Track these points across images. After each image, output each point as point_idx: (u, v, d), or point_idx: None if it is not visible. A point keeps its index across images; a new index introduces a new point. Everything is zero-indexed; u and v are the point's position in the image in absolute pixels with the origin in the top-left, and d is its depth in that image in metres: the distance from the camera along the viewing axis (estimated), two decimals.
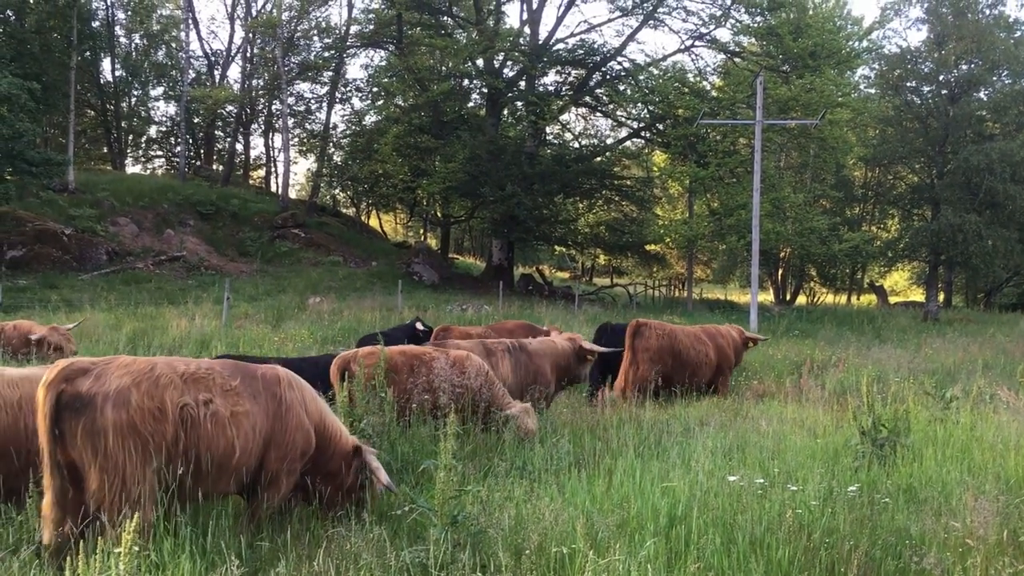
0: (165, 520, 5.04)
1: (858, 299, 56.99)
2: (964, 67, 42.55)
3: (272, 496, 5.63)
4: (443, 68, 44.54)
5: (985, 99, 44.34)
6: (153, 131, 57.82)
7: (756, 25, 38.21)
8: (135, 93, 55.20)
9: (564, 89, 42.27)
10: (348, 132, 51.27)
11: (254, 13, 49.03)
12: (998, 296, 49.52)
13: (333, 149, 51.28)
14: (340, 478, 5.98)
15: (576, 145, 46.28)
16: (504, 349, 10.76)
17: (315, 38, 48.45)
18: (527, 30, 40.91)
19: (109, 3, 49.67)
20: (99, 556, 4.23)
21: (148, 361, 5.22)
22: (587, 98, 42.43)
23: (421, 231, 59.58)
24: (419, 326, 14.84)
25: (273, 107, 51.08)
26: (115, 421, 4.81)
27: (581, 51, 40.14)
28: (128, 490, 4.80)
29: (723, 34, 40.72)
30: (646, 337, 12.94)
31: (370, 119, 49.01)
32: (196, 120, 50.61)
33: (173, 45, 55.24)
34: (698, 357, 13.41)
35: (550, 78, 42.91)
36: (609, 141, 46.82)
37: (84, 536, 4.78)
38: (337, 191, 57.06)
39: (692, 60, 42.93)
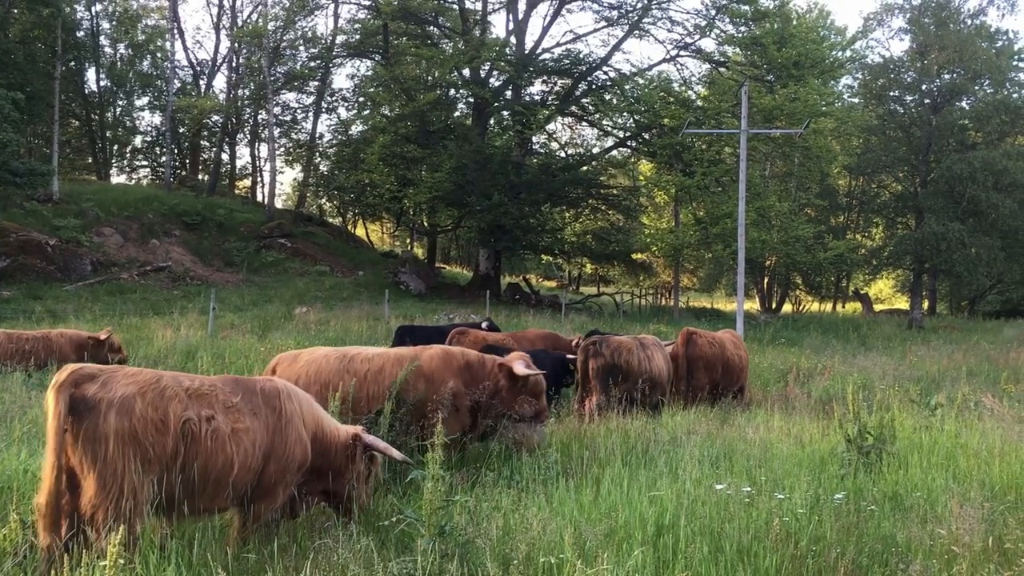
0: (151, 532, 5.02)
1: (843, 307, 57.28)
2: (946, 76, 42.95)
3: (266, 506, 5.65)
4: (429, 78, 44.57)
5: (967, 108, 44.77)
6: (138, 141, 57.65)
7: (740, 35, 38.45)
8: (120, 103, 55.08)
9: (550, 99, 42.37)
10: (334, 142, 51.20)
11: (240, 23, 49.02)
12: (982, 304, 49.93)
13: (319, 159, 51.25)
14: (349, 470, 6.06)
15: (562, 154, 46.32)
16: (655, 343, 12.37)
17: (301, 48, 48.38)
18: (513, 40, 41.00)
19: (94, 13, 49.61)
20: (84, 569, 4.20)
21: (154, 372, 5.25)
22: (573, 107, 42.53)
23: (408, 240, 59.52)
24: (484, 325, 15.02)
25: (259, 117, 50.98)
26: (117, 428, 4.81)
27: (567, 61, 40.26)
28: (124, 499, 4.78)
29: (708, 44, 40.92)
30: (699, 346, 13.04)
31: (356, 129, 48.99)
32: (181, 130, 50.44)
33: (158, 55, 55.11)
34: (740, 363, 13.62)
35: (536, 88, 43.10)
36: (595, 150, 46.92)
37: (75, 544, 4.78)
38: (323, 201, 56.95)
39: (677, 70, 43.12)
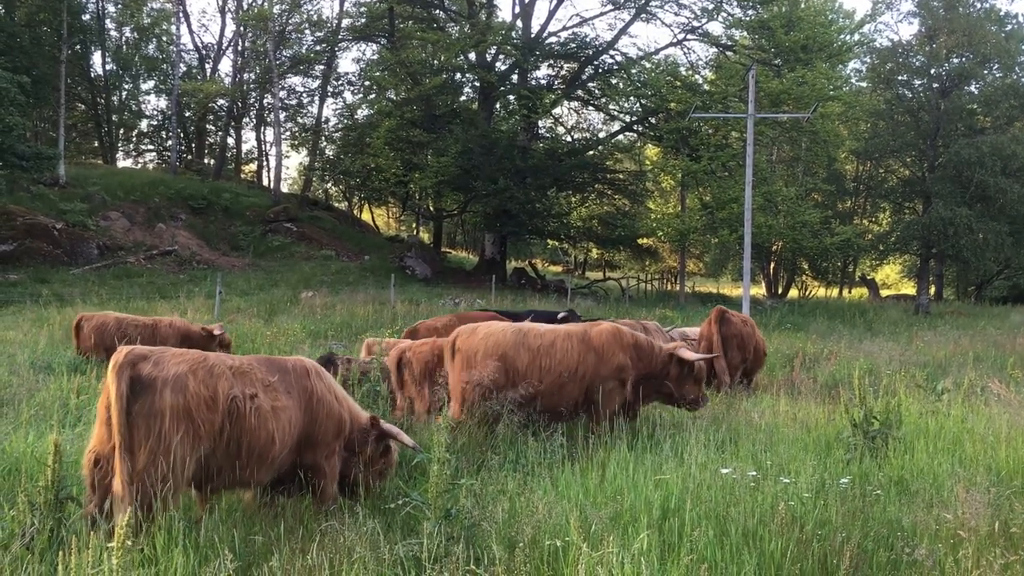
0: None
1: (850, 292, 57.16)
2: (955, 61, 42.69)
3: (326, 483, 5.93)
4: (435, 62, 44.42)
5: (976, 93, 44.51)
6: (144, 125, 57.67)
7: (748, 19, 38.21)
8: (126, 87, 54.98)
9: (556, 83, 42.22)
10: (340, 126, 51.15)
11: (245, 6, 48.87)
12: (989, 289, 49.74)
13: (325, 143, 51.15)
14: (365, 452, 6.25)
15: (568, 139, 46.25)
16: (656, 328, 12.42)
17: (307, 31, 48.28)
18: (519, 24, 40.84)
19: None
20: (92, 551, 4.22)
21: (199, 352, 5.46)
22: (579, 92, 42.39)
23: (413, 225, 59.49)
24: (560, 316, 15.19)
25: (265, 101, 50.94)
26: (172, 405, 5.02)
27: (573, 45, 40.08)
28: (175, 473, 4.99)
29: (715, 28, 40.76)
30: (733, 324, 13.01)
31: (362, 113, 48.92)
32: (187, 114, 50.41)
33: (164, 39, 54.98)
34: (763, 346, 13.66)
35: (542, 72, 42.95)
36: (601, 135, 46.83)
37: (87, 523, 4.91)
38: (329, 185, 56.93)
39: (684, 54, 42.99)
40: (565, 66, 42.22)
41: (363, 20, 43.19)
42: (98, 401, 5.23)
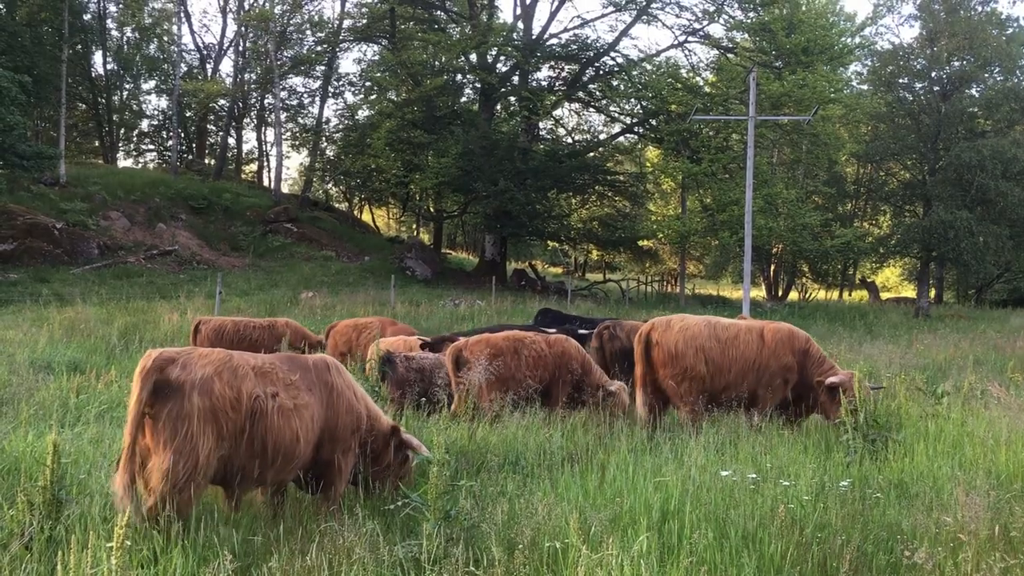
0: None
1: (850, 295, 57.11)
2: (956, 64, 42.69)
3: (337, 479, 5.99)
4: (436, 63, 44.42)
5: (977, 96, 44.50)
6: (145, 125, 57.74)
7: (749, 21, 38.21)
8: (127, 86, 55.03)
9: (557, 84, 42.20)
10: (341, 126, 51.14)
11: (246, 7, 48.89)
12: (989, 292, 49.71)
13: (326, 143, 51.14)
14: (383, 457, 6.35)
15: (569, 140, 46.23)
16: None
17: (308, 32, 48.31)
18: (520, 25, 40.84)
19: None
20: (91, 551, 4.21)
21: (224, 352, 5.52)
22: (580, 93, 42.38)
23: (414, 226, 59.49)
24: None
25: (266, 101, 50.99)
26: (200, 407, 5.13)
27: (574, 46, 40.07)
28: (199, 473, 5.09)
29: (716, 30, 40.78)
30: None
31: (363, 114, 48.91)
32: (188, 114, 50.42)
33: (165, 38, 55.01)
34: None
35: (543, 73, 42.96)
36: (602, 136, 46.79)
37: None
38: (330, 186, 56.93)
39: (685, 56, 42.98)
40: (566, 68, 42.20)
41: (364, 21, 43.18)
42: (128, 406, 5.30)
